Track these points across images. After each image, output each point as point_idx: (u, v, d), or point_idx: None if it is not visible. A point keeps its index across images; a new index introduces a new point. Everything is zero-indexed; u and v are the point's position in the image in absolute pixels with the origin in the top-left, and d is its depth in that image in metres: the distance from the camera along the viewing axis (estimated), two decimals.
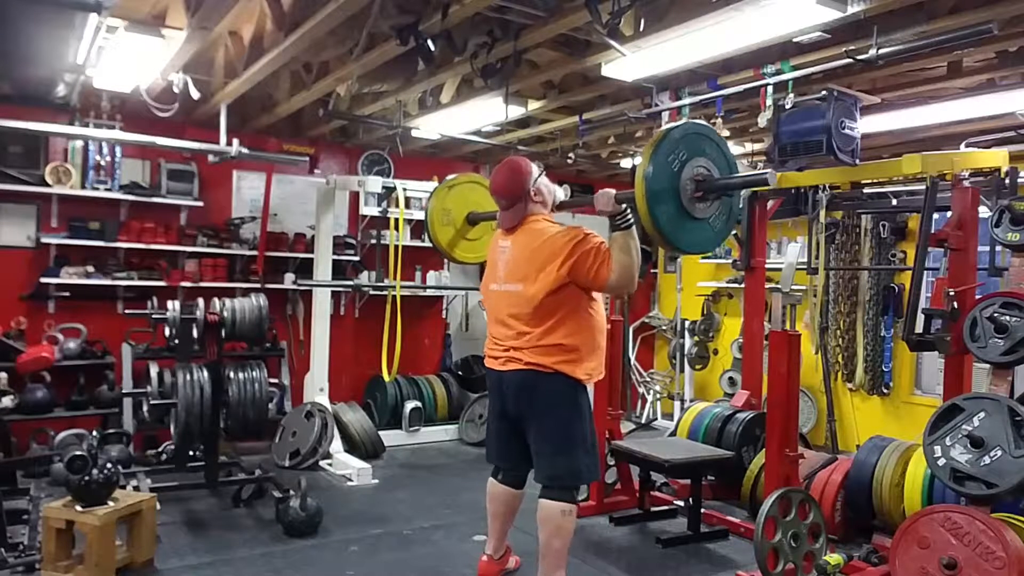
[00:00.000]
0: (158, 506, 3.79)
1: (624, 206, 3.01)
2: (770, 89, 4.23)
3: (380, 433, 6.06)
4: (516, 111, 5.15)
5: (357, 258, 6.62)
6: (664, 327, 8.22)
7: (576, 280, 3.08)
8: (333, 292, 6.29)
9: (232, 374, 4.38)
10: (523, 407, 3.25)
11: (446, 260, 7.05)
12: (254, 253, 6.17)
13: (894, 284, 6.48)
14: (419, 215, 6.60)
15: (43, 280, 5.44)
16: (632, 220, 2.98)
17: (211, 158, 5.52)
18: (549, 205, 3.38)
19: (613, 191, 3.06)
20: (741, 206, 5.19)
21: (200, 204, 5.98)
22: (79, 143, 5.52)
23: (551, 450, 3.22)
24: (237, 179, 6.32)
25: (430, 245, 4.18)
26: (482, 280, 3.52)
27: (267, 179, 6.28)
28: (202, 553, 3.82)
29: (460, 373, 7.05)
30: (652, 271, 8.35)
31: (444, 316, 7.38)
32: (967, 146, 4.92)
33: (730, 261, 7.28)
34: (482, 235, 4.00)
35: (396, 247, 5.13)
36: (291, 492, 4.18)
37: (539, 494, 3.25)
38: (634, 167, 6.46)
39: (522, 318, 3.18)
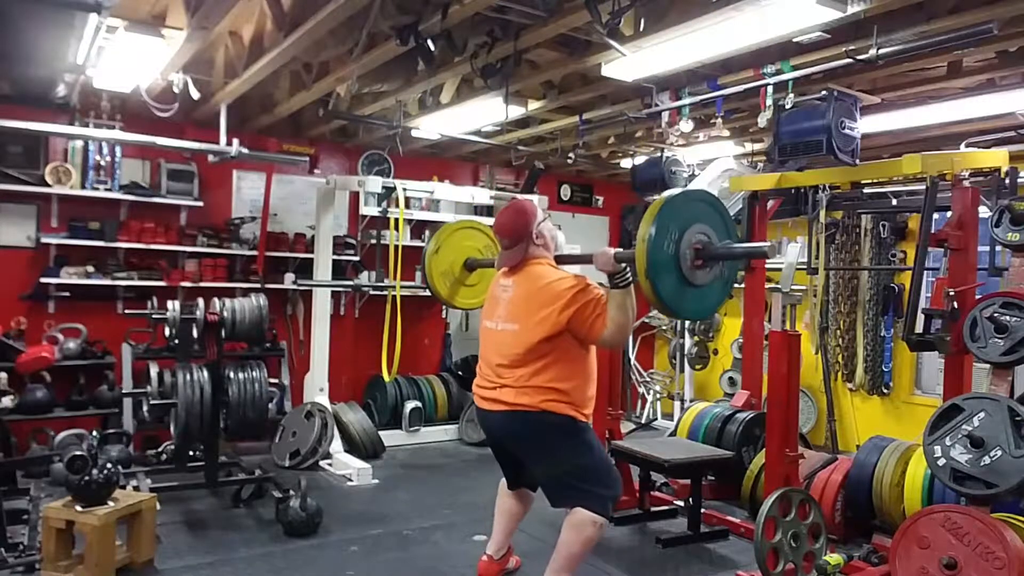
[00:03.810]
0: (158, 506, 3.78)
1: (624, 265, 2.96)
2: (770, 89, 4.24)
3: (380, 433, 6.05)
4: (516, 111, 5.15)
5: (357, 258, 6.61)
6: (664, 327, 8.21)
7: (572, 329, 3.04)
8: (333, 292, 6.29)
9: (232, 374, 4.38)
10: (515, 449, 3.25)
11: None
12: (254, 253, 6.17)
13: (894, 284, 6.47)
14: (419, 215, 6.61)
15: (43, 280, 5.44)
16: (631, 279, 2.95)
17: (211, 158, 5.53)
18: (551, 249, 3.35)
19: (612, 251, 3.00)
20: (741, 207, 5.21)
21: (200, 204, 5.98)
22: (79, 143, 5.51)
23: (557, 489, 3.19)
24: (237, 179, 6.32)
25: None
26: (482, 313, 3.45)
27: (267, 179, 6.27)
28: (202, 553, 3.82)
29: (460, 373, 7.04)
30: None
31: (444, 316, 7.37)
32: (967, 146, 4.92)
33: None
34: (480, 280, 3.95)
35: (396, 247, 5.13)
36: (291, 492, 4.18)
37: None
38: (634, 168, 6.49)
39: (512, 358, 3.11)
